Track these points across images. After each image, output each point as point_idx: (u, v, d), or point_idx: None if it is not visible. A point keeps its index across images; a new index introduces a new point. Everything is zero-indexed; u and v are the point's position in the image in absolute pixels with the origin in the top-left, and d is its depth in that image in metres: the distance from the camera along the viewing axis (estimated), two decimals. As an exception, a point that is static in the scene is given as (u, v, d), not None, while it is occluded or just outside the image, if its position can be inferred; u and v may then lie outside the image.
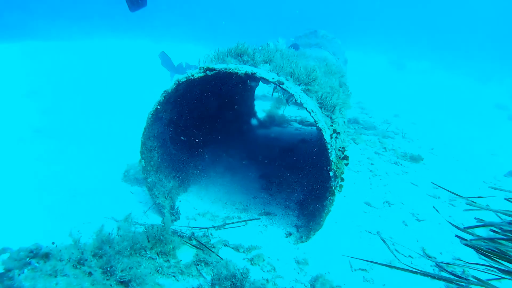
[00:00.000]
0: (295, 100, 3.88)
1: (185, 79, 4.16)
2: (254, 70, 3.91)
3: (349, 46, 14.16)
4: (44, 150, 6.90)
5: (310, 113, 3.84)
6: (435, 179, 6.67)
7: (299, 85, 4.39)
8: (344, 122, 5.43)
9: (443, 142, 9.39)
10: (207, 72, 4.03)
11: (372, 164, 6.98)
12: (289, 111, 10.78)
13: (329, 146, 3.85)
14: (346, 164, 4.03)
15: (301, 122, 10.06)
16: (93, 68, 15.84)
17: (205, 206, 5.17)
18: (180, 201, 5.25)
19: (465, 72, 26.21)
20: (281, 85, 3.89)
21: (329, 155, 3.86)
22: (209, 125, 6.25)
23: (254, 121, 8.89)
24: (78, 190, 5.42)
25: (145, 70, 15.85)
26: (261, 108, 10.28)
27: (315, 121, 3.82)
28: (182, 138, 5.47)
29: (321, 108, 4.40)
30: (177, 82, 4.20)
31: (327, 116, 4.39)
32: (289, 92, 3.87)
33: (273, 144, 7.78)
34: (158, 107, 4.35)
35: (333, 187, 3.97)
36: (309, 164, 6.31)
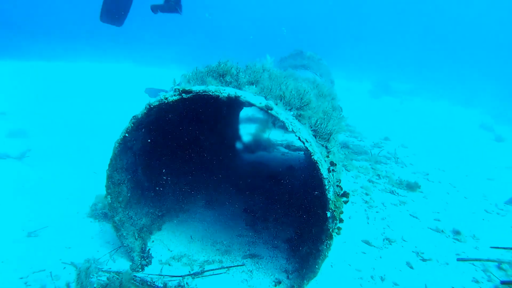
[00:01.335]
0: (286, 127, 3.30)
1: (157, 103, 3.56)
2: (239, 93, 3.34)
3: (333, 69, 13.86)
4: (4, 179, 6.16)
5: (304, 143, 3.27)
6: (434, 209, 6.15)
7: (290, 110, 3.82)
8: (338, 150, 4.88)
9: (436, 166, 8.95)
10: (183, 94, 3.44)
11: (366, 194, 6.43)
12: (275, 135, 10.24)
13: (326, 182, 3.26)
14: (346, 202, 3.46)
15: (288, 146, 9.54)
16: (71, 90, 15.13)
17: (181, 247, 4.49)
18: (153, 241, 4.57)
19: (445, 94, 26.35)
20: (269, 111, 3.32)
21: (326, 192, 3.27)
22: (189, 153, 5.62)
23: (238, 145, 8.31)
24: (36, 227, 4.69)
25: (125, 94, 15.17)
26: (246, 131, 9.71)
27: (311, 153, 3.25)
28: (156, 169, 4.83)
29: (315, 136, 3.84)
30: (148, 107, 3.60)
31: (322, 146, 3.83)
32: (279, 119, 3.30)
33: (259, 171, 7.18)
34: (126, 135, 3.73)
35: (331, 230, 3.38)
36: (298, 195, 5.73)
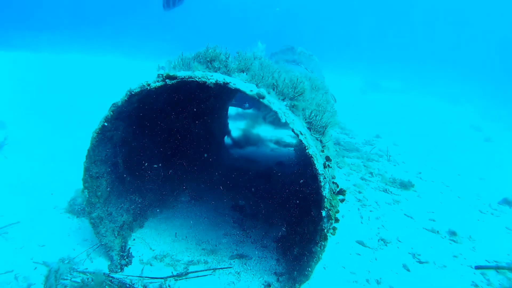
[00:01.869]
0: (279, 118, 3.03)
1: (139, 90, 3.26)
2: (227, 79, 3.06)
3: (324, 65, 13.68)
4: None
5: (298, 135, 3.00)
6: (429, 208, 5.95)
7: (283, 100, 3.55)
8: (332, 145, 4.64)
9: (428, 164, 8.79)
10: (167, 80, 3.15)
11: (359, 192, 6.20)
12: (264, 130, 9.99)
13: (321, 179, 3.00)
14: (342, 201, 3.21)
15: (277, 142, 9.30)
16: (57, 81, 14.55)
17: (165, 246, 4.20)
18: (134, 239, 4.27)
19: (435, 92, 26.43)
20: (261, 99, 3.04)
21: (322, 189, 3.01)
22: (174, 146, 5.31)
23: (227, 140, 8.04)
24: (6, 223, 4.34)
25: (116, 86, 14.69)
26: (236, 126, 9.43)
27: (305, 147, 2.98)
28: (138, 162, 4.52)
29: (309, 129, 3.57)
30: (128, 94, 3.30)
31: (317, 139, 3.56)
32: (271, 109, 3.02)
33: (248, 167, 6.91)
34: (106, 124, 3.43)
35: (326, 230, 3.12)
36: (289, 192, 5.47)
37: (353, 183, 6.56)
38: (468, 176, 8.37)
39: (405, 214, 5.60)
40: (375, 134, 11.34)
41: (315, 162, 2.98)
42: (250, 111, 11.83)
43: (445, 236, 5.06)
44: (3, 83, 12.92)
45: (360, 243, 4.60)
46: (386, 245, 4.62)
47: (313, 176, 3.12)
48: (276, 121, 10.55)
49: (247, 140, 8.80)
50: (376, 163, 8.16)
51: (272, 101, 3.13)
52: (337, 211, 3.13)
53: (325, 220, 3.08)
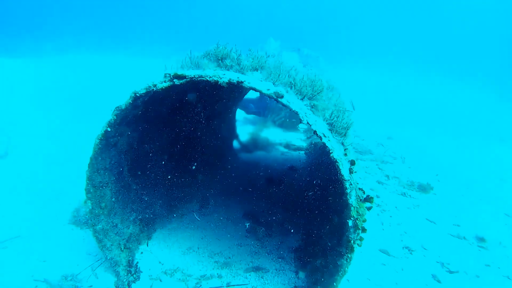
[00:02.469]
0: (300, 119, 2.74)
1: (145, 91, 3.00)
2: (242, 77, 2.78)
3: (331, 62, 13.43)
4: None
5: (321, 138, 2.71)
6: (451, 212, 5.62)
7: (302, 99, 3.27)
8: (352, 147, 4.34)
9: (444, 165, 8.44)
10: (175, 80, 2.87)
11: (377, 196, 5.89)
12: (273, 134, 9.69)
13: (347, 185, 2.71)
14: (369, 209, 2.91)
15: (287, 146, 9.00)
16: (60, 84, 14.33)
17: (175, 259, 3.91)
18: (141, 252, 3.99)
19: (446, 88, 26.05)
20: (279, 99, 2.76)
21: (348, 197, 2.72)
22: (182, 151, 5.04)
23: (236, 144, 7.76)
24: (6, 237, 4.09)
25: (123, 87, 14.44)
26: (244, 130, 9.15)
27: (329, 151, 2.69)
28: (145, 169, 4.24)
29: (331, 131, 3.28)
30: (133, 95, 3.03)
31: (339, 142, 3.27)
32: (291, 109, 2.74)
33: (258, 172, 6.61)
34: (109, 129, 3.16)
35: (352, 241, 2.82)
36: (304, 198, 5.17)
37: (370, 187, 6.25)
38: (488, 177, 8.01)
39: (427, 219, 5.29)
40: (386, 136, 11.02)
41: (340, 167, 2.69)
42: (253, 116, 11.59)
43: (473, 243, 4.74)
44: (10, 90, 12.74)
45: (384, 252, 4.29)
46: (411, 254, 4.31)
47: (335, 182, 2.83)
48: (285, 124, 10.27)
49: (255, 144, 8.52)
50: (390, 165, 7.84)
51: (291, 101, 2.85)
52: (364, 220, 2.83)
53: (351, 230, 2.79)
